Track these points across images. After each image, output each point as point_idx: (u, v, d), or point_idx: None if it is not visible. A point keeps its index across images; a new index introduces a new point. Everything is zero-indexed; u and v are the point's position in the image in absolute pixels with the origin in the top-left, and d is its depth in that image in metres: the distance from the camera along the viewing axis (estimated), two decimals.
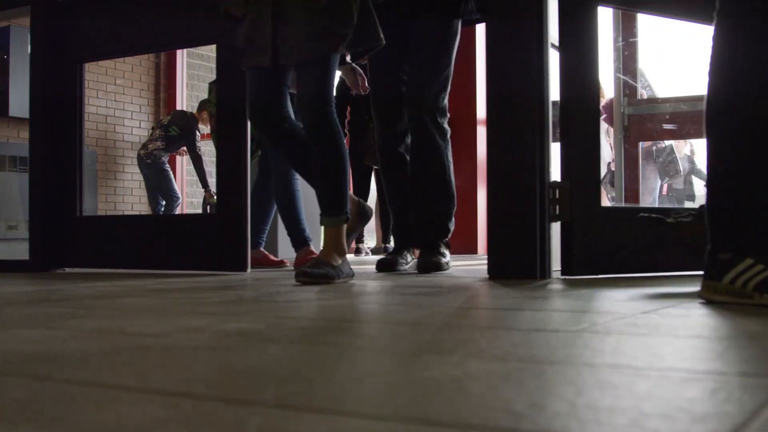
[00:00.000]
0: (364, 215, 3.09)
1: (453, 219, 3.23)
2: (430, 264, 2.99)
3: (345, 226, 2.50)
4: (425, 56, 3.01)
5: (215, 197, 6.78)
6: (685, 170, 9.09)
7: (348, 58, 2.93)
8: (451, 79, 3.08)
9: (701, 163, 8.29)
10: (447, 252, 3.23)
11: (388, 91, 3.08)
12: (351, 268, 2.50)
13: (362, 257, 5.50)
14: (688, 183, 9.14)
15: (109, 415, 0.61)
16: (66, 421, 0.60)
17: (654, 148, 5.63)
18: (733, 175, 1.62)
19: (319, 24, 2.39)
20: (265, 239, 3.90)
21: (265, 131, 2.60)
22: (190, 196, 8.30)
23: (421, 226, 3.13)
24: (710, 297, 1.59)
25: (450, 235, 3.21)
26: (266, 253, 3.85)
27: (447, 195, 3.19)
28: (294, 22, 2.41)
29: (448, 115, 3.09)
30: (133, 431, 0.56)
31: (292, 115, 2.61)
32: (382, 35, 2.49)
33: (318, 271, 2.32)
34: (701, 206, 2.07)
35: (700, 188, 8.63)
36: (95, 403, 0.66)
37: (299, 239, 3.66)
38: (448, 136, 3.10)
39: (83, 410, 0.63)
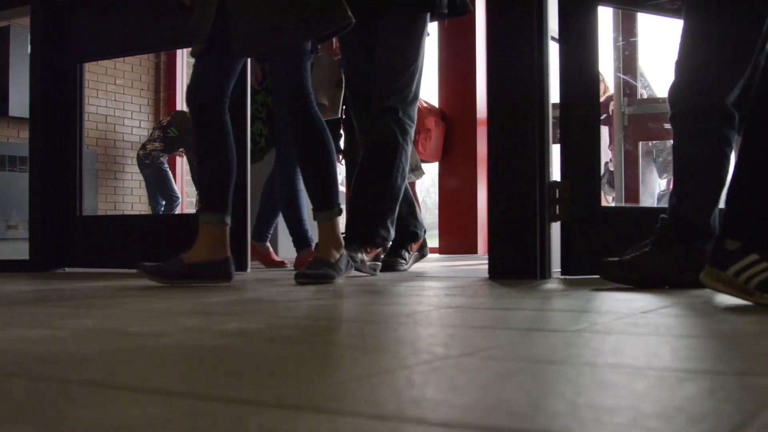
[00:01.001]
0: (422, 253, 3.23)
1: (389, 226, 2.88)
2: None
3: (338, 219, 2.46)
4: (390, 51, 2.87)
5: None
6: None
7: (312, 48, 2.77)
8: (419, 73, 2.91)
9: None
10: (406, 254, 3.16)
11: (363, 89, 2.97)
12: (349, 260, 2.49)
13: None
14: None
15: (109, 415, 0.61)
16: (66, 421, 0.60)
17: (654, 148, 5.62)
18: (755, 163, 1.62)
19: (276, 13, 2.29)
20: (271, 234, 3.88)
21: (199, 119, 2.49)
22: (190, 195, 8.30)
23: (354, 220, 2.87)
24: (712, 285, 1.59)
25: (386, 243, 2.94)
26: (271, 249, 3.84)
27: (388, 196, 2.87)
28: (245, 11, 2.31)
29: (415, 116, 2.93)
30: (133, 431, 0.56)
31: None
32: (350, 14, 2.37)
33: (317, 272, 2.32)
34: (657, 227, 2.07)
35: None
36: (95, 403, 0.66)
37: (301, 240, 3.66)
38: (410, 136, 2.90)
39: (83, 410, 0.63)
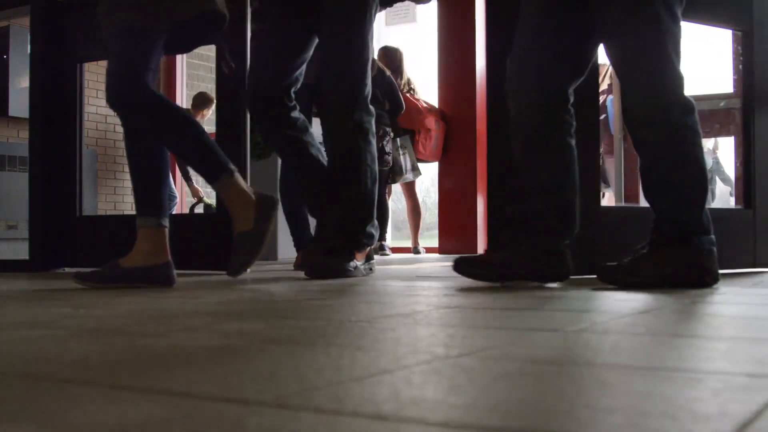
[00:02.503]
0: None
1: (371, 231, 2.78)
2: (318, 266, 2.65)
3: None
4: (333, 45, 2.70)
5: (205, 198, 6.78)
6: (707, 165, 8.99)
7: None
8: (369, 64, 2.73)
9: (724, 159, 8.21)
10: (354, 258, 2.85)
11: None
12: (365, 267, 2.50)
13: (385, 257, 5.52)
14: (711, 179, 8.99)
15: (109, 415, 0.61)
16: (66, 421, 0.60)
17: None
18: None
19: None
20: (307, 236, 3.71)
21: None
22: (189, 195, 8.30)
23: (334, 234, 2.73)
24: None
25: (364, 247, 2.81)
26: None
27: (362, 203, 2.74)
28: None
29: (370, 107, 2.74)
30: (133, 431, 0.56)
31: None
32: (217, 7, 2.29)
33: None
34: (653, 228, 2.07)
35: (721, 186, 8.55)
36: (95, 403, 0.66)
37: (302, 240, 3.65)
38: (371, 131, 2.74)
39: (83, 410, 0.63)
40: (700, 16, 2.81)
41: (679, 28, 2.02)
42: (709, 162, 9.02)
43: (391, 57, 6.07)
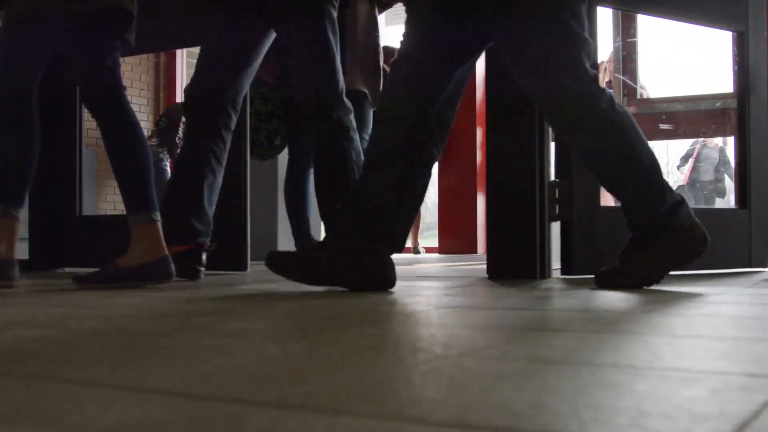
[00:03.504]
0: None
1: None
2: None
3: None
4: (298, 59, 2.62)
5: None
6: (715, 162, 8.98)
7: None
8: (336, 58, 2.62)
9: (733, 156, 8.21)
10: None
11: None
12: None
13: (419, 257, 5.53)
14: (718, 176, 8.93)
15: (109, 415, 0.61)
16: (66, 421, 0.60)
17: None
18: None
19: None
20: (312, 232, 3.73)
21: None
22: None
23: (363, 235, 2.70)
24: None
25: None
26: None
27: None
28: None
29: (349, 105, 2.65)
30: (133, 431, 0.56)
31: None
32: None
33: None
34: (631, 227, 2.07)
35: (729, 182, 8.55)
36: (95, 403, 0.66)
37: (304, 239, 3.64)
38: (351, 126, 2.65)
39: (83, 410, 0.63)
40: (698, 16, 2.82)
41: (585, 32, 2.00)
42: (716, 158, 8.98)
43: (391, 56, 6.09)
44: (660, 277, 1.98)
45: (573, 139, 2.10)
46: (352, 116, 2.67)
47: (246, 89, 2.79)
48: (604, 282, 2.01)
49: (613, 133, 2.03)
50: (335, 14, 2.65)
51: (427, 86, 2.05)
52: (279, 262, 1.95)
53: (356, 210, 2.02)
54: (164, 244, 2.29)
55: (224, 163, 2.75)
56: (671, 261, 2.00)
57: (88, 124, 7.19)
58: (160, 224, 2.29)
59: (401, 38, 2.16)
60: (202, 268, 2.67)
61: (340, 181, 2.63)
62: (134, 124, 2.31)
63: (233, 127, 2.76)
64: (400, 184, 2.03)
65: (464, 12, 2.04)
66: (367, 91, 3.58)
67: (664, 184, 2.04)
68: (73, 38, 2.28)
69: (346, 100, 2.64)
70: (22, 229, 2.52)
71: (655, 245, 2.00)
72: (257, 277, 2.83)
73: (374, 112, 2.11)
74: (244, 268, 3.09)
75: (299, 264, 1.94)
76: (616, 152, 2.03)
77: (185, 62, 8.30)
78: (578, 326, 1.19)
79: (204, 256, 2.68)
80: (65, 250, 3.50)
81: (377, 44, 3.72)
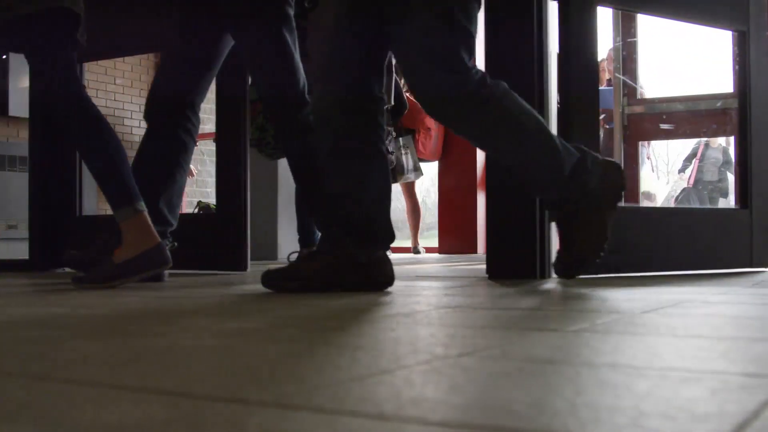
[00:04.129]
0: None
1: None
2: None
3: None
4: (258, 61, 2.63)
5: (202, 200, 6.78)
6: (718, 162, 8.96)
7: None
8: (295, 57, 2.58)
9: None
10: None
11: None
12: None
13: (419, 256, 5.53)
14: (721, 175, 8.91)
15: (109, 415, 0.61)
16: (66, 421, 0.60)
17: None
18: None
19: None
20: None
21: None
22: (189, 195, 8.30)
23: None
24: None
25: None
26: None
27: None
28: None
29: (305, 95, 2.60)
30: (133, 431, 0.56)
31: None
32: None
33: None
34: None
35: (732, 182, 8.54)
36: (95, 403, 0.66)
37: (307, 238, 3.61)
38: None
39: (83, 410, 0.63)
40: (699, 16, 2.82)
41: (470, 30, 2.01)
42: (719, 158, 8.96)
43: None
44: (605, 241, 1.99)
45: (461, 131, 2.12)
46: (306, 105, 2.59)
47: (206, 93, 2.75)
48: (563, 272, 2.02)
49: (493, 109, 2.02)
50: (292, 13, 2.61)
51: (342, 77, 2.04)
52: (275, 281, 1.97)
53: (335, 217, 2.03)
54: (155, 231, 2.29)
55: (186, 165, 2.71)
56: (606, 221, 2.00)
57: None
58: (146, 213, 2.29)
59: (310, 39, 2.17)
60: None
61: (312, 180, 2.62)
62: (97, 118, 2.29)
63: (195, 131, 2.72)
64: (361, 178, 2.04)
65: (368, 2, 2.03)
66: None
67: (558, 143, 2.04)
68: (24, 39, 2.30)
69: (308, 98, 2.59)
70: (22, 229, 2.53)
71: (585, 216, 1.99)
72: (257, 277, 2.83)
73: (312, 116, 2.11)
74: (244, 268, 3.09)
75: (295, 278, 1.96)
76: (502, 127, 2.04)
77: None
78: (578, 326, 1.19)
79: None
80: (65, 249, 3.50)
81: None
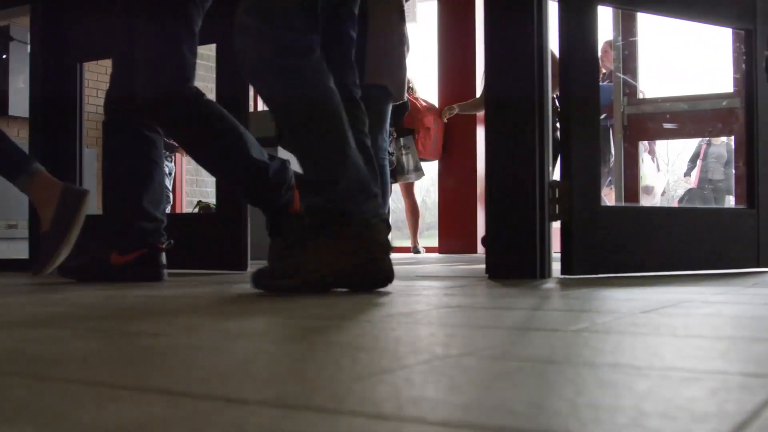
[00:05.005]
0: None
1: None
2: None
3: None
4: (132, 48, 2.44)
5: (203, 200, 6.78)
6: (723, 158, 8.92)
7: None
8: (179, 54, 2.39)
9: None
10: None
11: None
12: None
13: (419, 256, 5.53)
14: (727, 173, 8.85)
15: (109, 415, 0.61)
16: (66, 421, 0.60)
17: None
18: None
19: None
20: None
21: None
22: (189, 195, 8.30)
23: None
24: None
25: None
26: None
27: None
28: None
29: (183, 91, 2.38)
30: (133, 431, 0.56)
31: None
32: None
33: None
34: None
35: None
36: (95, 403, 0.66)
37: None
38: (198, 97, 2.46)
39: (83, 410, 0.63)
40: (703, 15, 2.81)
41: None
42: (724, 155, 8.92)
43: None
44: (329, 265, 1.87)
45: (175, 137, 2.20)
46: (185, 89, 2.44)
47: None
48: (259, 283, 1.89)
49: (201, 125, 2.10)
50: (195, 14, 2.46)
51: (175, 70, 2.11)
52: (263, 282, 1.90)
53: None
54: (54, 180, 2.38)
55: (160, 161, 2.67)
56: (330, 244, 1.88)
57: (89, 124, 7.18)
58: (41, 172, 2.35)
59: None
60: (164, 270, 2.60)
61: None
62: None
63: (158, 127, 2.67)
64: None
65: None
66: (388, 85, 3.39)
67: (258, 159, 2.14)
68: None
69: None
70: (22, 229, 2.55)
71: (330, 237, 1.86)
72: None
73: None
74: (244, 268, 3.09)
75: (287, 276, 1.88)
76: (213, 144, 2.12)
77: None
78: (578, 326, 1.19)
79: (162, 256, 2.61)
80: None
81: (402, 33, 3.50)
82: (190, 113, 2.28)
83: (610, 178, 5.34)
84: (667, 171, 12.69)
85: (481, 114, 6.01)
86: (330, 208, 1.88)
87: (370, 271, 1.89)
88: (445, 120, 6.24)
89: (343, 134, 1.91)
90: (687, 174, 9.36)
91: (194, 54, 2.39)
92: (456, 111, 5.80)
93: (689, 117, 4.46)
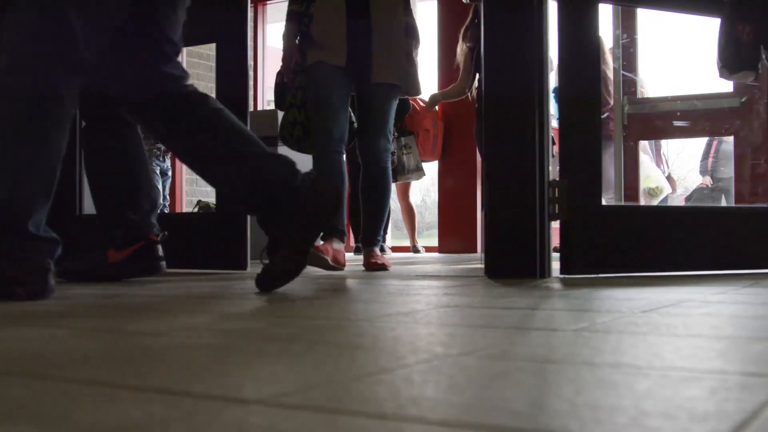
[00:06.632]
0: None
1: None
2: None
3: None
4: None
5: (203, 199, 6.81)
6: (731, 157, 8.87)
7: None
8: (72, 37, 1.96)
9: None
10: None
11: None
12: None
13: (418, 256, 5.54)
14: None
15: (109, 415, 0.61)
16: (66, 420, 0.60)
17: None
18: None
19: None
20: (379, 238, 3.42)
21: None
22: (189, 195, 8.30)
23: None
24: None
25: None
26: (377, 253, 3.31)
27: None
28: None
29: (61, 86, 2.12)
30: (133, 431, 0.56)
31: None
32: None
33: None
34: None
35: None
36: (95, 403, 0.66)
37: (327, 230, 3.52)
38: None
39: (83, 410, 0.63)
40: (704, 9, 2.79)
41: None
42: (727, 152, 8.86)
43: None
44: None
45: None
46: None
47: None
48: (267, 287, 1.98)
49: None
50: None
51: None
52: (264, 282, 1.97)
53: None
54: None
55: (140, 152, 2.64)
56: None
57: None
58: None
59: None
60: (162, 261, 2.59)
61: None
62: None
63: (132, 120, 2.60)
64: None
65: None
66: (398, 82, 3.21)
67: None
68: None
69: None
70: None
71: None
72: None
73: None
74: (244, 268, 3.09)
75: (280, 275, 1.98)
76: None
77: (185, 61, 8.29)
78: (578, 325, 1.19)
79: (159, 248, 2.59)
80: (65, 249, 3.49)
81: (410, 25, 3.27)
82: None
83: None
84: (666, 170, 12.66)
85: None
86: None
87: None
88: (435, 108, 6.22)
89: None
90: (704, 173, 9.24)
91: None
92: (440, 99, 5.75)
93: (691, 116, 4.45)
